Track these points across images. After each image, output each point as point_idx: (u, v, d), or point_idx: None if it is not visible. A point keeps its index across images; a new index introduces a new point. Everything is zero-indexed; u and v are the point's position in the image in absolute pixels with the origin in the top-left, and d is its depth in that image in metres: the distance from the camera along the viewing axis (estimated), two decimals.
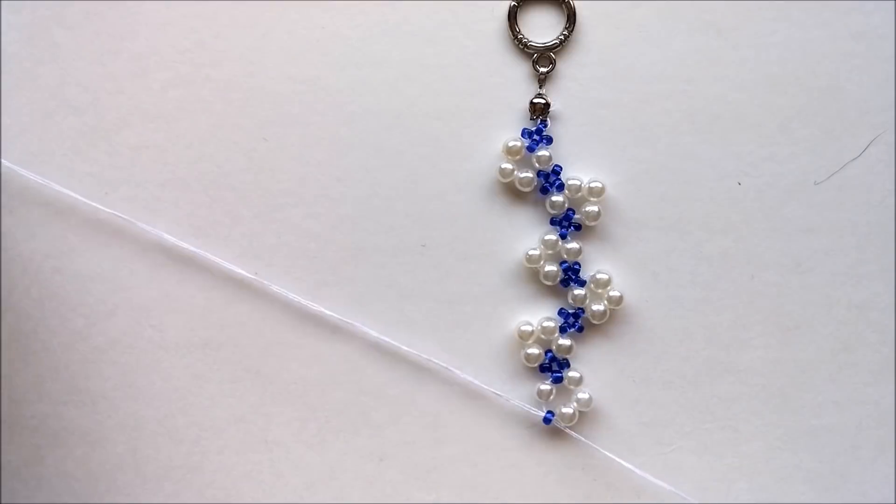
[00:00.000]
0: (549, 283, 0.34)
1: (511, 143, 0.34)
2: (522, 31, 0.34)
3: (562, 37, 0.34)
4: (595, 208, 0.34)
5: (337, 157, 0.34)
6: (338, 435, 0.34)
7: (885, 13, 0.34)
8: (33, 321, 0.34)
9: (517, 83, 0.35)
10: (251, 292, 0.34)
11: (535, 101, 0.34)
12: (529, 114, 0.34)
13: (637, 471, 0.34)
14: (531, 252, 0.34)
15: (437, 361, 0.34)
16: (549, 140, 0.34)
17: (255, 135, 0.34)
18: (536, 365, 0.34)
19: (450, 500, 0.34)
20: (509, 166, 0.34)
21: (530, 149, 0.34)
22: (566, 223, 0.35)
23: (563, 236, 0.34)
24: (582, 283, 0.34)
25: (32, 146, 0.34)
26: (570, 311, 0.35)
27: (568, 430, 0.34)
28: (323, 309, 0.34)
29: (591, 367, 0.35)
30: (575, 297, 0.34)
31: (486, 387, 0.34)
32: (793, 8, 0.34)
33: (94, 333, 0.34)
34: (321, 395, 0.34)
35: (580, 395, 0.34)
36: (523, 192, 0.35)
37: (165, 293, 0.34)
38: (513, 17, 0.34)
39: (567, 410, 0.34)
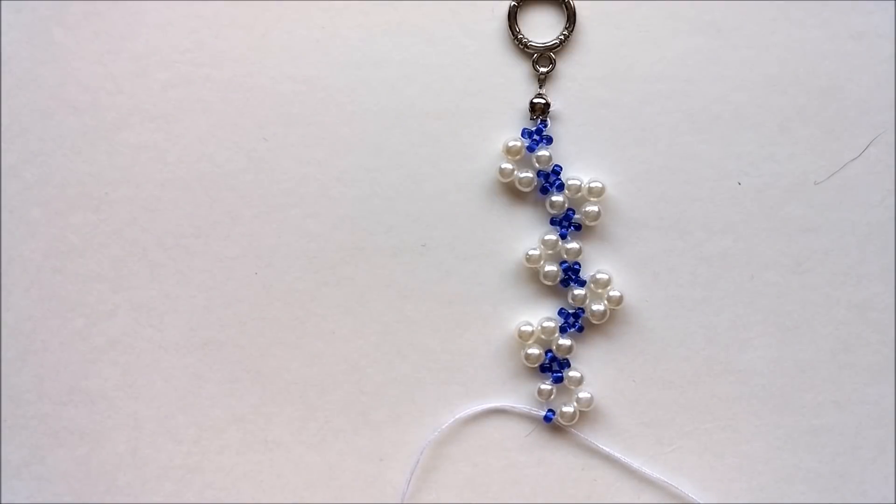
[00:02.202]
0: (549, 283, 0.34)
1: (511, 143, 0.34)
2: (522, 31, 0.34)
3: (562, 37, 0.34)
4: (595, 208, 0.34)
5: (337, 157, 0.34)
6: (338, 435, 0.34)
7: (885, 13, 0.34)
8: (33, 321, 0.34)
9: (517, 83, 0.35)
10: (251, 292, 0.34)
11: (535, 101, 0.34)
12: (529, 114, 0.34)
13: (637, 471, 0.34)
14: (531, 252, 0.34)
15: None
16: (549, 140, 0.34)
17: (255, 135, 0.34)
18: (537, 365, 0.34)
19: (450, 500, 0.34)
20: (509, 166, 0.34)
21: (530, 149, 0.34)
22: (566, 223, 0.35)
23: (563, 236, 0.34)
24: (582, 283, 0.34)
25: (32, 146, 0.34)
26: (570, 311, 0.35)
27: (569, 429, 0.34)
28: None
29: (592, 367, 0.35)
30: (575, 297, 0.34)
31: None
32: (793, 8, 0.34)
33: (94, 333, 0.34)
34: (321, 395, 0.34)
35: (581, 395, 0.34)
36: (523, 192, 0.35)
37: (165, 293, 0.34)
38: (513, 17, 0.34)
39: (568, 409, 0.34)
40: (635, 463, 0.34)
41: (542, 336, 0.34)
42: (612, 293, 0.34)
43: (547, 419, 0.34)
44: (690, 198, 0.34)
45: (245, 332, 0.34)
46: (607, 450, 0.34)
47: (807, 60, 0.34)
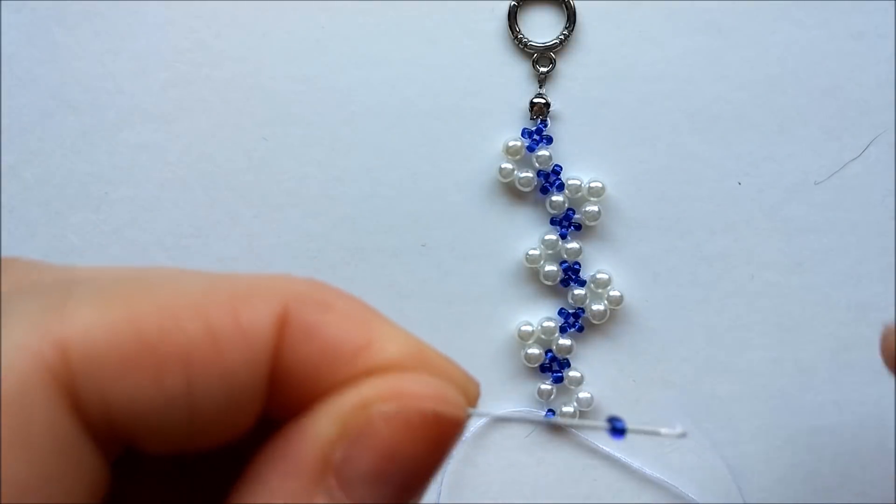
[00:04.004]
0: (549, 283, 0.34)
1: (511, 143, 0.34)
2: (522, 31, 0.34)
3: (562, 37, 0.34)
4: (595, 208, 0.34)
5: (337, 157, 0.34)
6: None
7: (885, 13, 0.34)
8: None
9: (517, 83, 0.35)
10: None
11: (535, 100, 0.34)
12: (529, 114, 0.34)
13: (637, 471, 0.34)
14: (531, 252, 0.34)
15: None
16: (549, 140, 0.34)
17: (255, 135, 0.34)
18: (537, 365, 0.34)
19: (450, 500, 0.34)
20: (509, 166, 0.34)
21: (530, 149, 0.34)
22: (566, 223, 0.35)
23: (563, 236, 0.34)
24: (582, 283, 0.34)
25: (32, 146, 0.34)
26: (570, 311, 0.35)
27: (569, 428, 0.34)
28: None
29: (592, 367, 0.35)
30: (575, 297, 0.34)
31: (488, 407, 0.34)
32: (793, 8, 0.34)
33: None
34: None
35: (581, 395, 0.34)
36: (523, 192, 0.35)
37: None
38: (513, 17, 0.34)
39: (568, 409, 0.34)
40: (635, 463, 0.34)
41: (542, 336, 0.34)
42: (612, 293, 0.34)
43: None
44: (690, 198, 0.34)
45: None
46: (607, 450, 0.34)
47: (807, 60, 0.34)
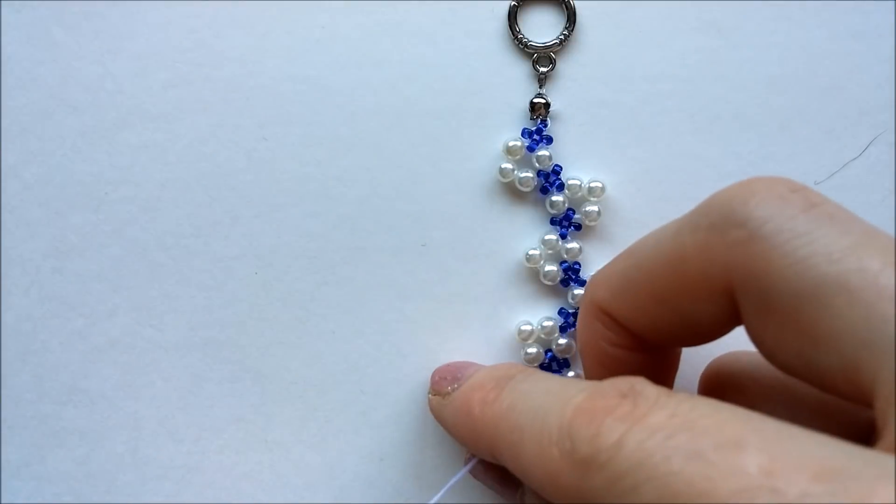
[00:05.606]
0: (549, 283, 0.34)
1: (511, 143, 0.34)
2: (522, 31, 0.34)
3: (562, 37, 0.34)
4: (595, 208, 0.34)
5: (337, 157, 0.34)
6: (338, 435, 0.34)
7: (885, 13, 0.34)
8: (33, 321, 0.34)
9: (517, 83, 0.35)
10: (251, 292, 0.34)
11: (535, 100, 0.34)
12: (529, 114, 0.34)
13: None
14: (531, 252, 0.34)
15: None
16: (549, 140, 0.34)
17: (255, 135, 0.34)
18: (537, 365, 0.34)
19: (450, 501, 0.34)
20: (509, 166, 0.34)
21: (530, 149, 0.34)
22: (566, 223, 0.35)
23: (563, 236, 0.34)
24: (582, 283, 0.34)
25: (32, 146, 0.34)
26: (570, 311, 0.35)
27: None
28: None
29: None
30: (575, 297, 0.34)
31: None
32: (793, 8, 0.34)
33: (94, 333, 0.34)
34: (321, 395, 0.34)
35: None
36: (523, 192, 0.35)
37: (165, 293, 0.34)
38: (513, 17, 0.34)
39: None
40: None
41: (542, 336, 0.34)
42: None
43: None
44: (690, 198, 0.34)
45: (245, 332, 0.34)
46: None
47: (807, 60, 0.34)
